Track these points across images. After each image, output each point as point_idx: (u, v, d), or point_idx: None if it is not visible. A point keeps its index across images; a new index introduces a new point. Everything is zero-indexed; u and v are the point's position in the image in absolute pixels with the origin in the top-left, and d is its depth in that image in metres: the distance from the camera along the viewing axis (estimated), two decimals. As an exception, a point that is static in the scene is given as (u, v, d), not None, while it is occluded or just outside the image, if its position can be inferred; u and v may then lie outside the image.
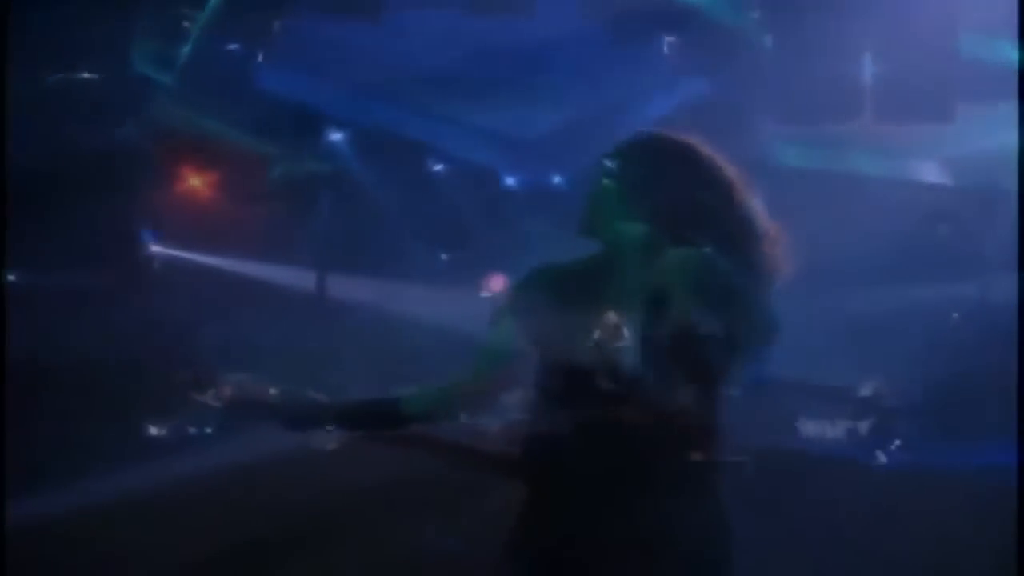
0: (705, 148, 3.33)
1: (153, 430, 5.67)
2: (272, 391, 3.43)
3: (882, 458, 7.77)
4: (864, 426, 8.11)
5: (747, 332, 3.07)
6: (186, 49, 9.33)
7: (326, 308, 10.47)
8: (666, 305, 2.98)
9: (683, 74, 9.60)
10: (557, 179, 11.45)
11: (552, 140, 11.02)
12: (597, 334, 3.01)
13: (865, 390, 8.13)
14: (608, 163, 3.25)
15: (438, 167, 11.30)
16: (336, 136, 10.79)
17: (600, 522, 3.11)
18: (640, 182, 3.21)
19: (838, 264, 8.27)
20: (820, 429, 8.17)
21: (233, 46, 9.44)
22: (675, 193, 3.20)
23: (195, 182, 10.59)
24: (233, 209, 10.75)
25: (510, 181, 11.90)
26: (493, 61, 9.72)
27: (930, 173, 10.46)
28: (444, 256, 11.59)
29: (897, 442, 8.02)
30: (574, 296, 3.21)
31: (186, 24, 9.13)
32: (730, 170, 3.30)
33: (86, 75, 9.13)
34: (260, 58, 9.40)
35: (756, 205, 3.33)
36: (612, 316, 3.02)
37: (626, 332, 3.02)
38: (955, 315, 9.24)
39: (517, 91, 10.20)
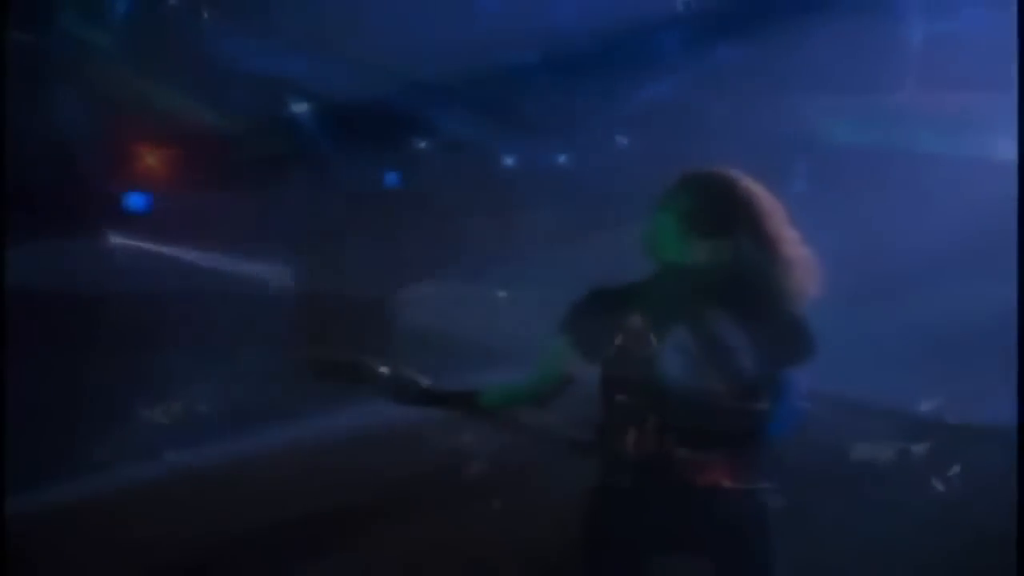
0: (749, 182, 4.29)
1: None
2: (384, 370, 4.42)
3: (939, 486, 7.80)
4: (921, 449, 8.14)
5: (784, 350, 4.16)
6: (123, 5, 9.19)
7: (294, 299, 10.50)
8: (713, 323, 4.13)
9: (708, 39, 9.65)
10: (562, 158, 11.24)
11: (555, 115, 10.78)
12: (653, 350, 4.11)
13: (924, 406, 8.16)
14: (668, 195, 4.25)
15: (422, 144, 10.97)
16: (300, 109, 10.49)
17: (674, 498, 4.12)
18: (694, 214, 4.19)
19: (896, 260, 8.76)
20: (871, 452, 8.21)
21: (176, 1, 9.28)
22: (720, 224, 4.18)
23: (149, 161, 10.39)
24: (191, 193, 10.64)
25: (508, 161, 11.60)
26: (483, 25, 9.83)
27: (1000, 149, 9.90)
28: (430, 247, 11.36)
29: (957, 468, 8.10)
30: (632, 312, 4.18)
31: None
32: (767, 201, 4.25)
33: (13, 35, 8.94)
34: (207, 16, 9.15)
35: (789, 232, 4.28)
36: (667, 333, 4.11)
37: (677, 347, 4.13)
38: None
39: (514, 60, 10.25)
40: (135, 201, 11.01)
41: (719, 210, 4.27)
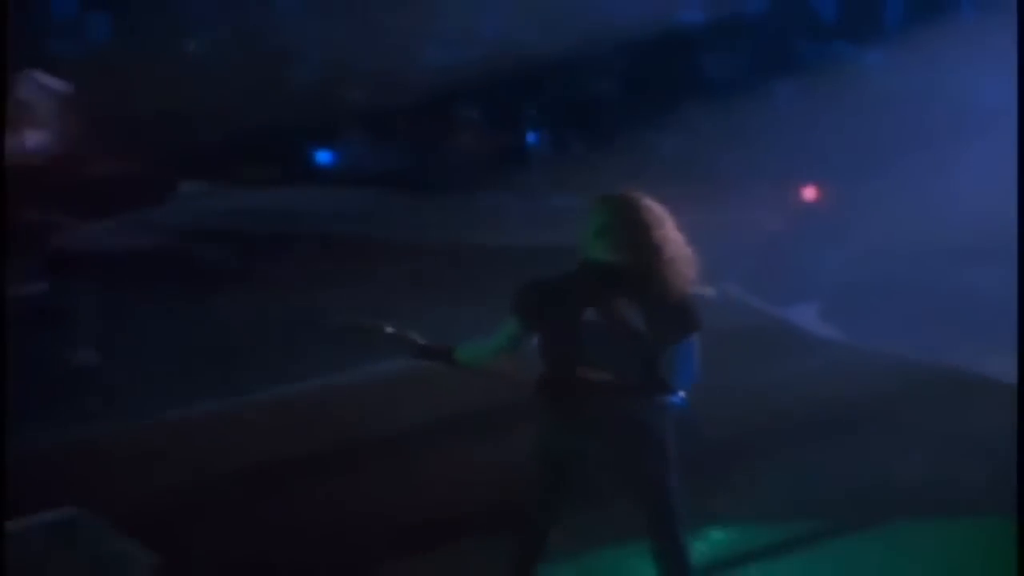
0: (645, 201, 5.61)
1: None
2: (390, 329, 5.77)
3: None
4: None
5: (666, 329, 5.51)
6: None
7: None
8: (615, 307, 5.46)
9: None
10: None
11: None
12: (578, 321, 5.45)
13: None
14: (590, 211, 5.57)
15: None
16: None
17: (594, 422, 5.53)
18: (605, 228, 5.54)
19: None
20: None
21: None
22: (622, 234, 5.51)
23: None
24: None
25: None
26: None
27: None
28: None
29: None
30: (568, 297, 5.52)
31: None
32: (657, 215, 5.58)
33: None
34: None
35: (674, 237, 5.63)
36: (593, 307, 5.46)
37: (603, 317, 5.46)
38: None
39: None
40: (323, 157, 13.24)
41: (620, 224, 5.60)
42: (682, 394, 5.74)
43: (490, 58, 13.28)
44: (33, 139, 10.05)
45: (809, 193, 12.19)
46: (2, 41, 7.19)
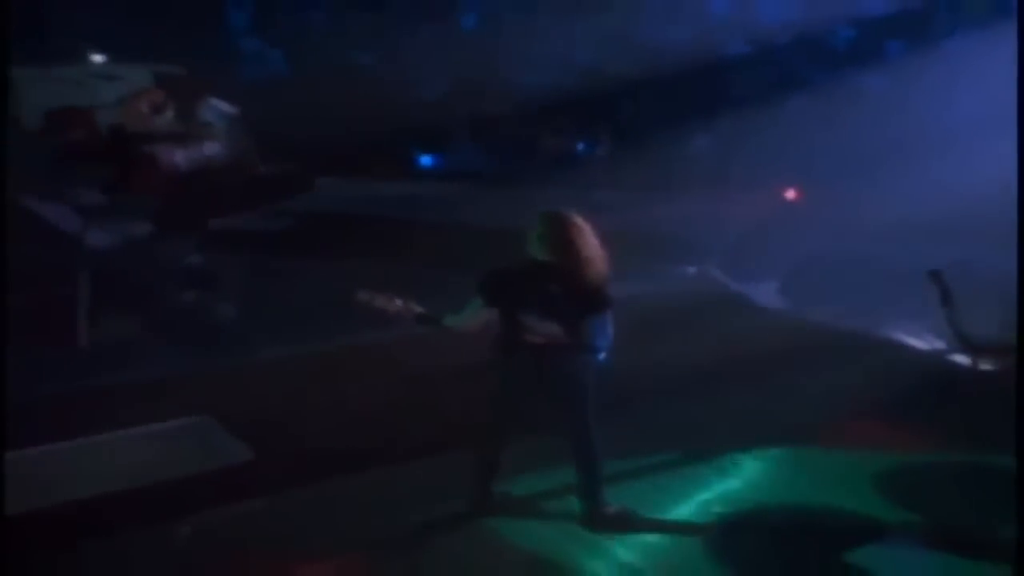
0: (574, 219, 6.41)
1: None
2: (399, 302, 6.48)
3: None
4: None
5: (584, 308, 6.28)
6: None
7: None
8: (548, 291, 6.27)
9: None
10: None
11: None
12: (527, 299, 6.29)
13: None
14: (537, 223, 6.39)
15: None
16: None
17: (534, 372, 6.39)
18: (543, 235, 6.36)
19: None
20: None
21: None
22: (555, 242, 6.34)
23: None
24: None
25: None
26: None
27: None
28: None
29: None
30: (516, 283, 6.37)
31: None
32: (581, 228, 6.38)
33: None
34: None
35: (592, 242, 6.37)
36: (533, 291, 6.29)
37: (540, 298, 6.28)
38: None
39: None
40: (426, 160, 13.68)
41: (553, 234, 6.38)
42: (602, 354, 6.44)
43: (563, 79, 13.53)
44: (210, 149, 10.43)
45: (791, 194, 12.20)
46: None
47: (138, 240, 9.90)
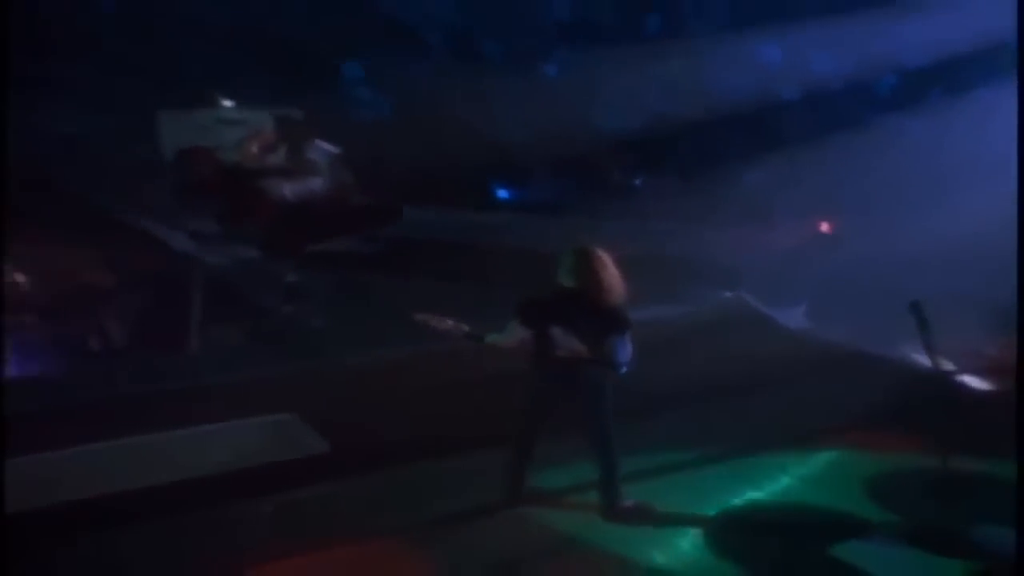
0: (598, 252, 6.63)
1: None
2: (449, 322, 6.73)
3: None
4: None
5: (605, 329, 6.49)
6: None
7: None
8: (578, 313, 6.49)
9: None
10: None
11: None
12: (557, 321, 6.54)
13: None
14: (563, 256, 6.68)
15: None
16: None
17: (562, 382, 6.62)
18: (571, 266, 6.61)
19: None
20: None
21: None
22: (579, 273, 6.60)
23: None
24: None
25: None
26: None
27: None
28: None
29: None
30: (548, 307, 6.62)
31: None
32: (603, 261, 6.62)
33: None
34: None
35: (613, 273, 6.60)
36: (562, 314, 6.53)
37: (567, 320, 6.50)
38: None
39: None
40: (503, 192, 13.84)
41: (579, 266, 6.65)
42: (623, 368, 6.65)
43: (631, 121, 13.65)
44: (313, 183, 10.64)
45: (824, 226, 12.15)
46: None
47: (245, 261, 10.30)
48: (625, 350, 6.65)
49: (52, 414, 7.88)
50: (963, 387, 8.59)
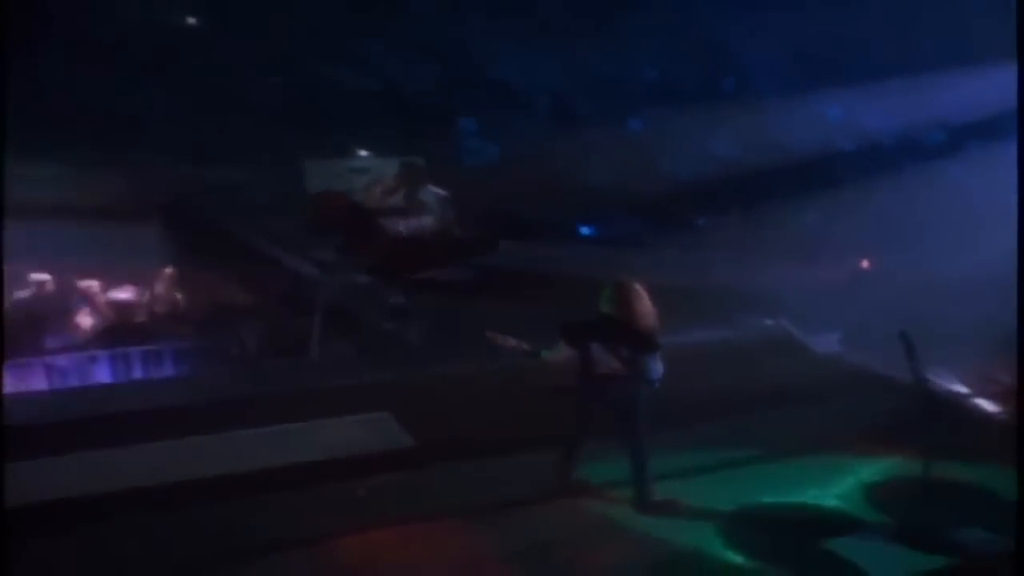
0: (634, 285, 6.80)
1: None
2: (513, 341, 6.95)
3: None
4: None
5: (643, 349, 6.67)
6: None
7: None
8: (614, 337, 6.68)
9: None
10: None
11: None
12: (598, 342, 6.76)
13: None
14: (604, 288, 6.85)
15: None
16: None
17: (602, 394, 6.81)
18: (610, 297, 6.78)
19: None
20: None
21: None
22: (618, 303, 6.78)
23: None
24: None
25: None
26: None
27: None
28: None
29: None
30: (590, 330, 6.81)
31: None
32: (638, 292, 6.78)
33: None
34: None
35: (646, 302, 6.76)
36: (602, 337, 6.72)
37: (606, 342, 6.72)
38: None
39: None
40: (585, 230, 13.86)
41: (617, 297, 6.87)
42: (655, 383, 6.89)
43: (704, 167, 13.65)
44: (422, 221, 10.83)
45: (864, 263, 12.11)
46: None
47: (358, 285, 10.76)
48: (656, 368, 6.88)
49: (198, 408, 8.49)
50: (972, 407, 8.53)
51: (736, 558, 6.35)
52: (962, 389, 8.73)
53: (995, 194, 11.47)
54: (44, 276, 9.86)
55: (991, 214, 11.06)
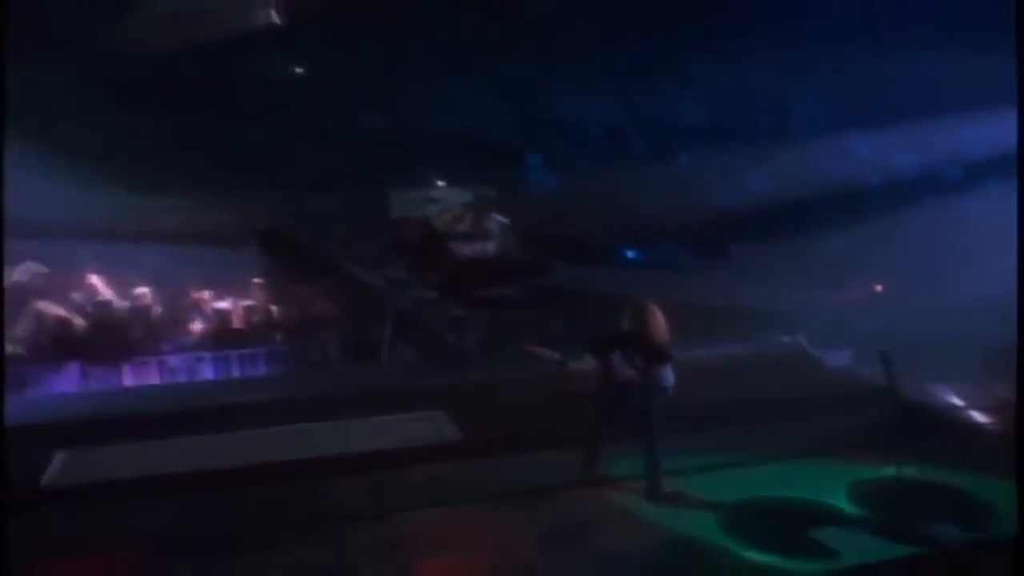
0: (652, 307, 6.93)
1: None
2: (547, 352, 7.58)
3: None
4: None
5: (657, 361, 6.81)
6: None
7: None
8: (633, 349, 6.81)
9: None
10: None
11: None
12: (618, 354, 6.92)
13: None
14: (627, 307, 6.99)
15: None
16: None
17: (621, 399, 6.93)
18: (630, 315, 6.91)
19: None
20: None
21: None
22: (638, 322, 6.91)
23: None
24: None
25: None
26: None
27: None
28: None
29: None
30: (612, 344, 6.99)
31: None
32: (655, 312, 6.91)
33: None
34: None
35: (661, 320, 6.91)
36: (622, 349, 6.87)
37: (625, 354, 6.90)
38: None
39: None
40: (631, 254, 13.88)
41: (637, 316, 7.06)
42: (668, 391, 7.07)
43: (741, 201, 13.58)
44: (485, 246, 11.39)
45: (878, 287, 11.98)
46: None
47: (424, 300, 11.04)
48: (668, 377, 7.08)
49: (285, 403, 8.97)
50: (965, 419, 8.46)
51: (734, 543, 6.46)
52: (958, 402, 8.61)
53: (1005, 227, 11.45)
54: (144, 289, 10.39)
55: (1004, 244, 11.11)
